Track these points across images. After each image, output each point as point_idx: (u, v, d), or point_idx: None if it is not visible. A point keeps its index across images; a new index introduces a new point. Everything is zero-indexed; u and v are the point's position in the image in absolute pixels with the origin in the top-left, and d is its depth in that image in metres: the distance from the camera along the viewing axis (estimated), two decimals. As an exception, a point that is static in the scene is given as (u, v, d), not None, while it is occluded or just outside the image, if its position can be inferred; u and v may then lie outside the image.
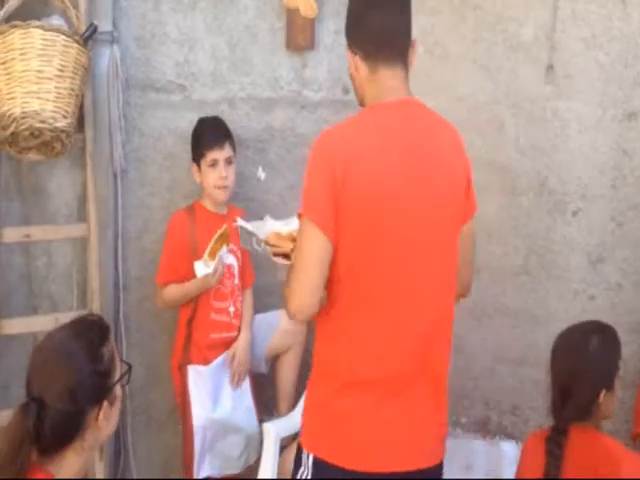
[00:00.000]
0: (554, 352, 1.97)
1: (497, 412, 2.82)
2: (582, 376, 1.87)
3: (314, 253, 1.64)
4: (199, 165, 2.57)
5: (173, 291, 2.53)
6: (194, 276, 2.49)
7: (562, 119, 2.70)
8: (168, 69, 2.67)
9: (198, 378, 2.51)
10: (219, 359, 2.56)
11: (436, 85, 2.84)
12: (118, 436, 2.64)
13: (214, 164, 2.55)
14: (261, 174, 2.75)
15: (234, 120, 2.69)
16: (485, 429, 2.80)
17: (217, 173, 2.54)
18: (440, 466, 1.77)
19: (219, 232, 2.46)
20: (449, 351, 1.78)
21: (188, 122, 2.66)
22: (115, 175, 2.59)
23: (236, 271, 2.62)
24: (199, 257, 2.47)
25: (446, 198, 1.68)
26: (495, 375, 2.78)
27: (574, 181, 2.71)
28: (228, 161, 2.58)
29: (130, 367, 1.55)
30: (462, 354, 2.80)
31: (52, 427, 1.39)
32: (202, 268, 2.45)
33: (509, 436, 2.74)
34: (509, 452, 2.41)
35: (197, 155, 2.58)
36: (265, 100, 2.77)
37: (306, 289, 1.64)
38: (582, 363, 1.90)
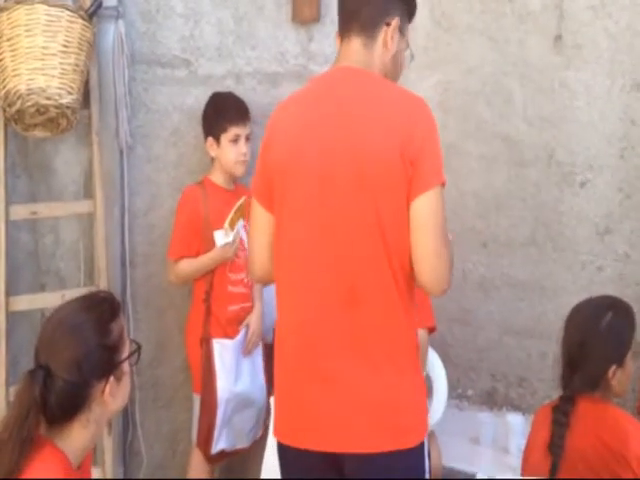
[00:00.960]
0: (567, 324, 1.94)
1: (504, 384, 2.78)
2: (591, 348, 1.85)
3: (253, 221, 1.73)
4: (217, 139, 2.52)
5: (189, 265, 2.49)
6: (206, 251, 2.45)
7: (570, 90, 2.63)
8: (174, 44, 2.60)
9: (224, 351, 2.48)
10: (242, 334, 2.54)
11: (444, 57, 2.78)
12: (126, 411, 2.61)
13: (236, 140, 2.51)
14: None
15: (240, 95, 2.63)
16: (492, 401, 2.76)
17: (239, 149, 2.51)
18: (384, 457, 1.57)
19: (238, 203, 2.44)
20: (391, 329, 1.59)
21: (194, 98, 2.60)
22: (121, 151, 2.52)
23: (247, 244, 2.59)
24: (211, 232, 2.43)
25: (366, 169, 1.55)
26: (502, 347, 2.74)
27: (582, 152, 2.64)
28: (247, 138, 2.54)
29: (139, 347, 1.53)
30: (469, 326, 2.77)
31: (58, 397, 1.39)
32: (222, 237, 2.43)
33: (516, 408, 2.70)
34: (516, 424, 2.38)
35: (217, 129, 2.52)
36: (271, 74, 2.71)
37: (250, 255, 1.75)
38: (592, 335, 1.87)
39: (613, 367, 1.85)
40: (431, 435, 2.34)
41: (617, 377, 1.86)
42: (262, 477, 2.11)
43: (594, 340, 1.86)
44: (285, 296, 1.68)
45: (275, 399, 1.71)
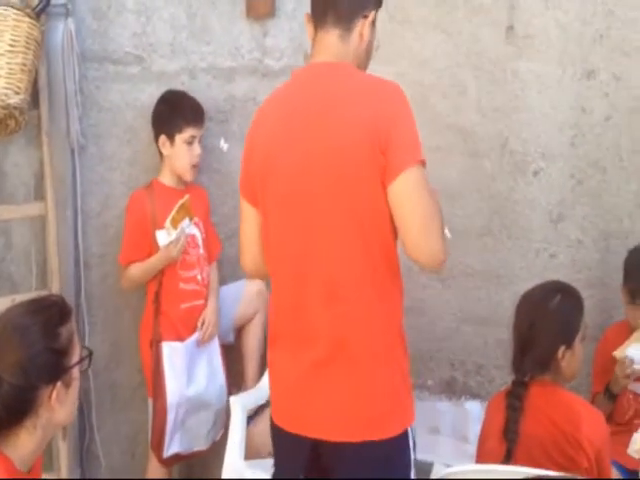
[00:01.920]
0: (517, 309, 1.95)
1: (462, 372, 2.76)
2: (540, 329, 1.86)
3: (242, 216, 1.75)
4: (171, 138, 2.44)
5: (138, 269, 2.43)
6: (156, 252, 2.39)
7: (522, 79, 2.61)
8: (125, 40, 2.52)
9: (173, 354, 2.42)
10: (194, 336, 2.47)
11: (398, 50, 2.74)
12: (82, 414, 2.54)
13: (191, 141, 2.44)
14: (224, 145, 2.63)
15: (195, 91, 2.56)
16: (451, 390, 2.74)
17: (193, 151, 2.44)
18: (358, 446, 1.56)
19: (180, 202, 2.37)
20: (369, 322, 1.58)
21: (148, 95, 2.53)
22: (73, 151, 2.43)
23: (200, 242, 2.51)
24: None
25: (339, 164, 1.55)
26: (460, 336, 2.73)
27: (534, 141, 2.62)
28: (200, 140, 2.48)
29: (91, 353, 1.48)
30: (426, 316, 2.75)
31: (3, 401, 1.34)
32: (164, 236, 2.36)
33: (474, 396, 2.68)
34: (474, 411, 2.38)
35: (173, 128, 2.43)
36: (226, 69, 2.65)
37: (240, 249, 1.76)
38: (540, 317, 1.88)
39: (562, 348, 1.85)
40: None
41: (566, 359, 1.86)
42: (223, 477, 2.09)
43: (542, 321, 1.87)
44: (276, 289, 1.70)
45: (270, 382, 1.72)
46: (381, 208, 1.55)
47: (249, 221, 1.72)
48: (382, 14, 2.77)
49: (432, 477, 1.77)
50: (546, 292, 1.94)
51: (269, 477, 2.00)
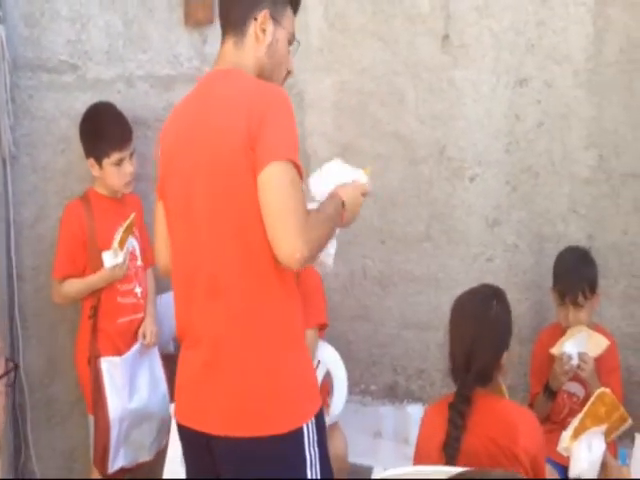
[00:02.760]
0: (453, 319, 1.90)
1: (404, 377, 2.75)
2: (485, 341, 1.81)
3: (155, 216, 1.77)
4: (99, 162, 2.36)
5: (76, 285, 2.35)
6: (93, 268, 2.31)
7: (458, 88, 2.62)
8: (59, 48, 2.45)
9: (113, 369, 2.34)
10: (134, 348, 2.40)
11: (338, 58, 2.73)
12: (18, 431, 2.45)
13: (120, 163, 2.36)
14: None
15: (132, 99, 2.51)
16: (393, 394, 2.73)
17: (123, 170, 2.37)
18: (246, 442, 1.56)
19: (127, 222, 2.30)
20: (255, 317, 1.58)
21: (82, 103, 2.45)
22: (4, 161, 2.36)
23: (138, 252, 2.45)
24: (98, 246, 2.30)
25: (218, 163, 1.57)
26: (401, 341, 2.73)
27: (471, 148, 2.64)
28: (131, 155, 2.40)
29: (16, 366, 1.42)
30: (369, 322, 2.75)
31: None
32: (111, 258, 2.29)
33: (416, 399, 2.68)
34: (415, 414, 2.38)
35: (98, 152, 2.36)
36: (164, 77, 2.59)
37: (155, 246, 1.79)
38: (484, 328, 1.84)
39: (504, 354, 1.84)
40: (335, 427, 2.30)
41: (505, 360, 1.84)
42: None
43: (487, 332, 1.83)
44: (173, 287, 1.72)
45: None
46: (256, 205, 1.54)
47: (159, 217, 1.76)
48: (322, 22, 2.82)
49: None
50: (482, 301, 1.90)
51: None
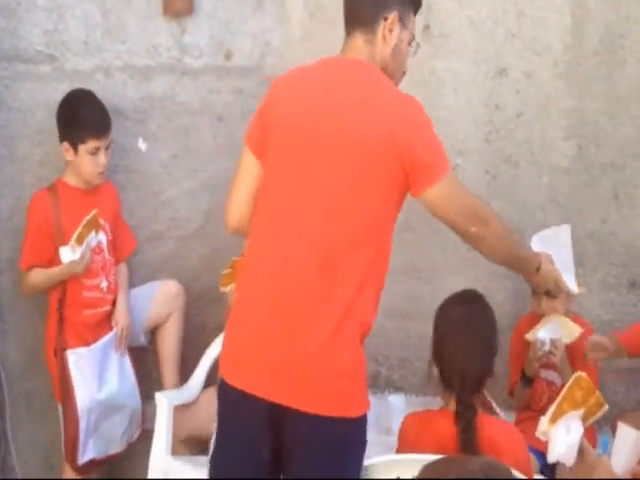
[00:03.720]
0: (447, 324, 1.86)
1: (386, 367, 2.74)
2: (479, 351, 1.80)
3: (240, 167, 1.73)
4: (74, 147, 2.31)
5: (39, 276, 2.32)
6: (59, 260, 2.27)
7: (439, 78, 2.61)
8: (36, 39, 2.40)
9: (80, 361, 2.31)
10: (104, 338, 2.37)
11: (321, 49, 2.65)
12: (-4, 426, 2.45)
13: (95, 152, 2.31)
14: (142, 145, 2.55)
15: (111, 90, 2.46)
16: (375, 385, 2.71)
17: (98, 160, 2.32)
18: (324, 420, 1.56)
19: (87, 218, 2.24)
20: (357, 301, 1.61)
21: (60, 94, 2.40)
22: (-19, 153, 2.33)
23: (105, 246, 2.40)
24: (65, 238, 2.26)
25: (352, 149, 1.59)
26: (384, 331, 2.70)
27: (452, 137, 2.62)
28: (107, 147, 2.35)
29: None
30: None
31: None
32: (68, 254, 2.23)
33: (398, 389, 2.67)
34: (397, 404, 2.39)
35: (75, 138, 2.31)
36: (143, 68, 2.55)
37: (228, 203, 1.75)
38: (483, 334, 1.83)
39: (494, 358, 1.82)
40: None
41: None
42: (149, 476, 2.03)
43: (479, 343, 1.81)
44: (256, 251, 1.68)
45: (225, 344, 1.69)
46: (379, 208, 1.63)
47: (248, 173, 1.72)
48: (302, 13, 2.78)
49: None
50: (474, 303, 1.89)
51: (196, 471, 1.97)
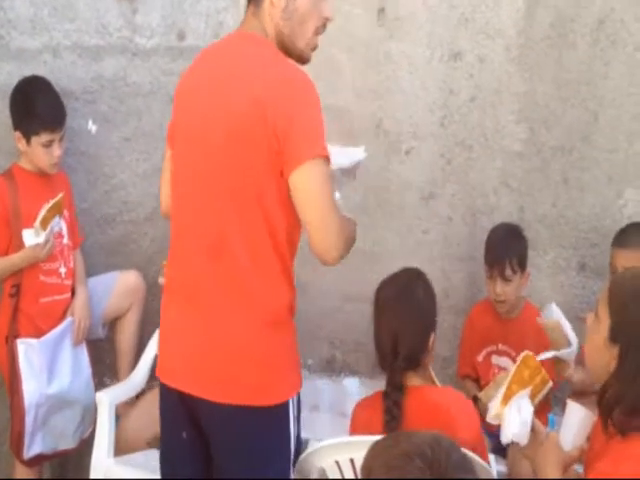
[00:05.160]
0: (379, 305, 1.82)
1: (342, 351, 2.73)
2: (412, 324, 1.75)
3: (165, 156, 1.71)
4: (27, 138, 2.22)
5: None
6: (17, 246, 2.18)
7: (394, 61, 2.58)
8: (-20, 16, 2.32)
9: (30, 352, 2.22)
10: (56, 330, 2.28)
11: (271, 29, 2.67)
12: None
13: (49, 145, 2.22)
14: (92, 127, 2.46)
15: (59, 70, 2.37)
16: (331, 368, 2.70)
17: (51, 152, 2.23)
18: (234, 410, 1.51)
19: (53, 201, 2.17)
20: (257, 286, 1.54)
21: (6, 74, 2.31)
22: None
23: (65, 231, 2.32)
24: (23, 224, 2.17)
25: (232, 134, 1.50)
26: (339, 314, 2.69)
27: (406, 121, 2.61)
28: (61, 138, 2.26)
29: None
30: (308, 297, 2.70)
31: None
32: (32, 237, 2.15)
33: (353, 372, 2.66)
34: (351, 388, 2.38)
35: (27, 128, 2.22)
36: (92, 48, 2.46)
37: (160, 189, 1.74)
38: (410, 311, 1.77)
39: (432, 335, 1.78)
40: None
41: (432, 344, 1.78)
42: (91, 477, 1.97)
43: (413, 314, 1.76)
44: (172, 240, 1.66)
45: (161, 331, 1.67)
46: (273, 185, 1.50)
47: (166, 163, 1.71)
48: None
49: (307, 452, 1.73)
50: (405, 284, 1.84)
51: (138, 473, 1.92)
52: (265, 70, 1.51)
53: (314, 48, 1.63)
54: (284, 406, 1.57)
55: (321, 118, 1.51)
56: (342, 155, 1.69)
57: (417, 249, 2.64)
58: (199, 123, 1.56)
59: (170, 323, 1.63)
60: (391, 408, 1.69)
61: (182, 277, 1.60)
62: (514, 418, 1.49)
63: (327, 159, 1.50)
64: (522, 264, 2.38)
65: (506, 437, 1.51)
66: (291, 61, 1.57)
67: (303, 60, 1.63)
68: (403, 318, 1.76)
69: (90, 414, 2.36)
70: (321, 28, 1.62)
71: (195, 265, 1.57)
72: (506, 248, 2.38)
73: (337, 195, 1.66)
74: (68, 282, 2.35)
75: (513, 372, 1.56)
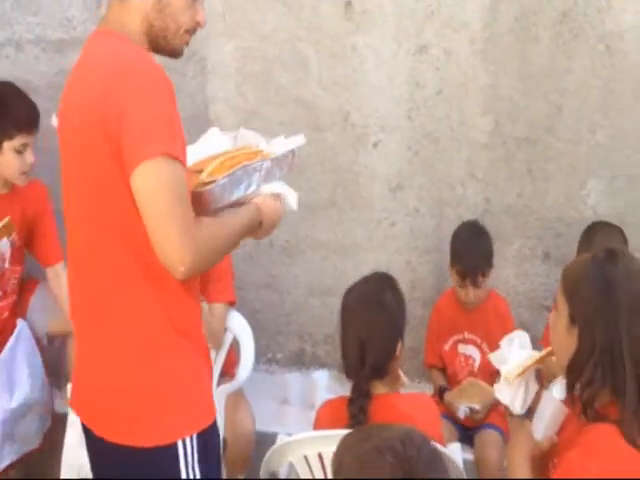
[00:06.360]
0: (346, 311, 1.76)
1: (311, 343, 2.73)
2: (378, 330, 1.69)
3: None
4: None
5: None
6: None
7: (360, 54, 2.56)
8: (-61, 9, 2.25)
9: None
10: (7, 346, 2.18)
11: (240, 23, 2.61)
12: None
13: (22, 150, 2.09)
14: (55, 123, 2.41)
15: (21, 64, 2.32)
16: (300, 362, 2.71)
17: (25, 159, 2.10)
18: (118, 448, 1.36)
19: (1, 224, 2.07)
20: (129, 311, 1.37)
21: (-33, 68, 2.28)
22: None
23: (8, 255, 2.20)
24: None
25: (77, 145, 1.36)
26: (308, 308, 2.69)
27: (374, 114, 2.60)
28: (34, 143, 2.13)
29: None
30: (276, 291, 2.69)
31: None
32: None
33: (323, 365, 2.66)
34: (321, 380, 2.37)
35: (1, 132, 2.07)
36: (56, 42, 2.41)
37: None
38: (377, 317, 1.71)
39: (400, 343, 1.73)
40: (241, 401, 2.21)
41: (400, 353, 1.73)
42: (62, 474, 1.94)
43: (379, 321, 1.70)
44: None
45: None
46: (118, 194, 1.31)
47: None
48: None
49: (276, 446, 1.72)
50: (373, 289, 1.77)
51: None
52: (104, 67, 1.34)
53: (187, 43, 1.47)
54: (169, 449, 1.36)
55: (165, 110, 1.31)
56: (282, 146, 1.55)
57: (385, 241, 2.64)
58: (61, 134, 1.43)
59: (77, 353, 1.50)
60: (356, 415, 1.64)
61: (70, 299, 1.47)
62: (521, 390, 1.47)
63: (173, 157, 1.28)
64: (491, 264, 2.38)
65: (520, 406, 1.47)
66: (140, 51, 1.39)
67: (175, 54, 1.46)
68: (370, 326, 1.70)
69: (49, 408, 2.29)
70: (192, 30, 1.46)
71: (72, 285, 1.44)
72: (476, 257, 2.34)
73: (275, 186, 1.51)
74: (4, 303, 2.23)
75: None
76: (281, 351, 2.73)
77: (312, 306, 2.69)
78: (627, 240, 2.38)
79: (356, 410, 1.65)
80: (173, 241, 1.28)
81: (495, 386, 1.51)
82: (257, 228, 1.50)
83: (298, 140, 1.58)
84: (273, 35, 2.59)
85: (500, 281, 2.60)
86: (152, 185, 1.28)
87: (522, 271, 2.66)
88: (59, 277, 2.27)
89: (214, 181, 1.38)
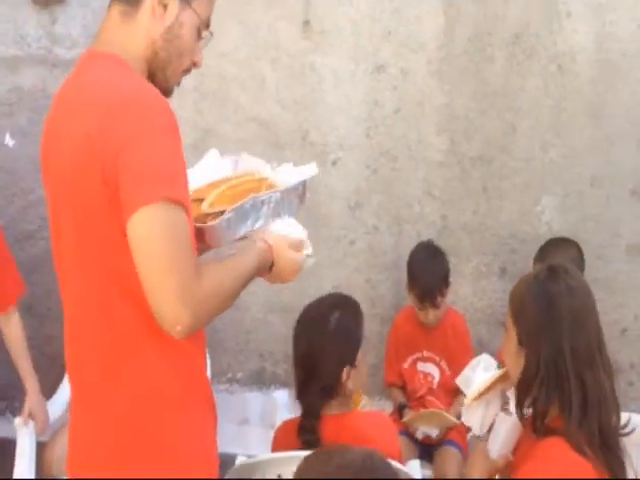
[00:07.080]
0: (295, 331, 1.71)
1: (271, 362, 2.69)
2: (324, 354, 1.62)
3: None
4: None
5: None
6: None
7: (319, 73, 2.57)
8: None
9: None
10: None
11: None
12: None
13: None
14: (9, 141, 2.36)
15: (-26, 81, 2.28)
16: (260, 380, 2.66)
17: None
18: None
19: None
20: (111, 360, 1.23)
21: None
22: None
23: None
24: None
25: (68, 174, 1.20)
26: (267, 326, 2.65)
27: (333, 132, 2.61)
28: None
29: None
30: (236, 309, 2.65)
31: None
32: None
33: (283, 384, 2.61)
34: (281, 399, 2.34)
35: None
36: (10, 59, 2.36)
37: None
38: (320, 340, 1.64)
39: (347, 368, 1.64)
40: None
41: (352, 378, 1.65)
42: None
43: (324, 344, 1.63)
44: None
45: None
46: (115, 244, 1.17)
47: None
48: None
49: (235, 468, 1.68)
50: (323, 310, 1.70)
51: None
52: (102, 98, 1.19)
53: (179, 84, 1.34)
54: None
55: (168, 148, 1.17)
56: (291, 175, 1.43)
57: (344, 259, 2.64)
58: (46, 169, 1.27)
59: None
60: (308, 438, 1.60)
61: (66, 351, 1.32)
62: (481, 412, 1.48)
63: (173, 201, 1.14)
64: (447, 283, 2.38)
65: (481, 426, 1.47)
66: (142, 81, 1.25)
67: (167, 93, 1.30)
68: (313, 349, 1.64)
69: None
70: (188, 70, 1.33)
71: (68, 336, 1.30)
72: (433, 279, 2.34)
73: (288, 221, 1.42)
74: None
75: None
76: (241, 370, 2.69)
77: (271, 324, 2.66)
78: (583, 255, 2.43)
79: (306, 431, 1.61)
80: (169, 300, 1.14)
81: (462, 408, 1.52)
82: (266, 271, 1.35)
83: (310, 170, 1.45)
84: (231, 54, 2.59)
85: (458, 298, 2.62)
86: (147, 235, 1.14)
87: (479, 288, 2.68)
88: (15, 332, 2.08)
89: (216, 213, 1.25)
